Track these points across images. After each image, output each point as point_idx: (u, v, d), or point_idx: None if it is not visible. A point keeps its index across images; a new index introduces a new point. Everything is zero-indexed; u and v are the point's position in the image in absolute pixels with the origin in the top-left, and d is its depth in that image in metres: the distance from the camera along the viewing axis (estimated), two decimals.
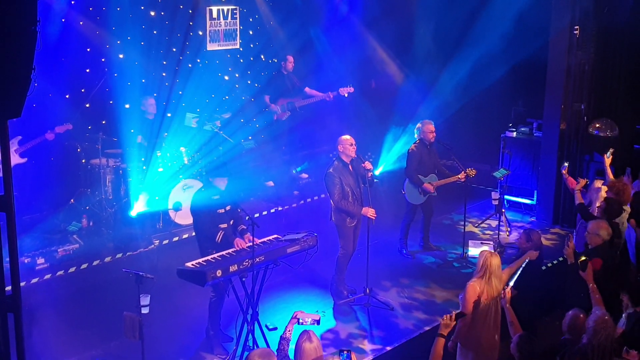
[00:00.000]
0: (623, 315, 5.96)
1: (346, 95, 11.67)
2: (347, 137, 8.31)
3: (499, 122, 12.18)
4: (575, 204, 8.20)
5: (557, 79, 10.67)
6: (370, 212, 8.16)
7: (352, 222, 8.30)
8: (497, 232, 10.30)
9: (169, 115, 10.69)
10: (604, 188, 8.25)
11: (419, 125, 9.60)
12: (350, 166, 8.28)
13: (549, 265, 9.13)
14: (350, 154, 8.24)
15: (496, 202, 10.52)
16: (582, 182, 8.48)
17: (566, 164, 9.15)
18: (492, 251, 6.38)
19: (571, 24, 10.39)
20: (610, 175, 8.66)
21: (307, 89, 11.88)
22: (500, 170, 10.63)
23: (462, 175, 9.45)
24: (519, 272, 6.47)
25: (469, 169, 9.50)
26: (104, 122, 10.23)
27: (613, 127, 10.58)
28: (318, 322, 5.66)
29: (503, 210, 10.53)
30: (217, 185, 7.36)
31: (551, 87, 10.81)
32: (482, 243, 9.64)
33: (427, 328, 7.86)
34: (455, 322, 5.44)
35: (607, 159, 8.84)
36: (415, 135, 9.62)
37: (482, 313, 6.12)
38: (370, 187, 8.28)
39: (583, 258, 6.42)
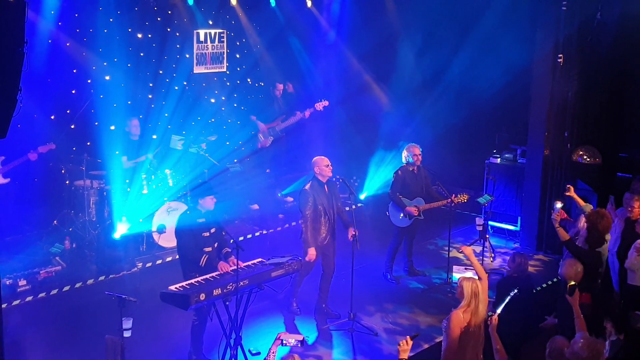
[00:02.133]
0: (606, 342, 5.98)
1: (321, 109, 11.72)
2: (322, 157, 8.37)
3: (483, 148, 12.25)
4: (562, 241, 7.74)
5: (540, 106, 10.72)
6: (310, 255, 8.18)
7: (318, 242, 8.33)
8: (481, 257, 10.33)
9: (154, 137, 10.68)
10: (583, 218, 8.23)
11: (404, 149, 9.65)
12: (325, 187, 8.34)
13: (533, 291, 9.13)
14: (326, 174, 8.31)
15: (480, 228, 10.56)
16: (558, 217, 8.05)
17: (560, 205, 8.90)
18: (473, 277, 6.26)
19: (555, 52, 10.48)
20: (581, 202, 8.59)
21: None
22: (484, 196, 10.68)
23: (449, 201, 9.45)
24: (507, 299, 6.39)
25: (461, 194, 9.52)
26: (88, 143, 10.20)
27: (596, 155, 10.66)
28: (302, 342, 5.63)
29: (487, 236, 10.57)
30: (206, 205, 7.32)
31: (535, 114, 10.85)
32: (466, 269, 9.62)
33: (410, 354, 7.80)
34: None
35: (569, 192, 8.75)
36: (403, 159, 9.65)
37: (468, 340, 6.09)
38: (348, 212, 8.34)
39: (572, 283, 6.42)
